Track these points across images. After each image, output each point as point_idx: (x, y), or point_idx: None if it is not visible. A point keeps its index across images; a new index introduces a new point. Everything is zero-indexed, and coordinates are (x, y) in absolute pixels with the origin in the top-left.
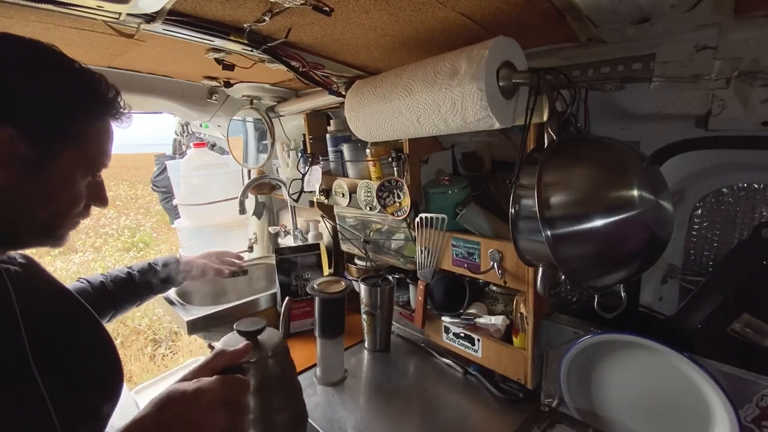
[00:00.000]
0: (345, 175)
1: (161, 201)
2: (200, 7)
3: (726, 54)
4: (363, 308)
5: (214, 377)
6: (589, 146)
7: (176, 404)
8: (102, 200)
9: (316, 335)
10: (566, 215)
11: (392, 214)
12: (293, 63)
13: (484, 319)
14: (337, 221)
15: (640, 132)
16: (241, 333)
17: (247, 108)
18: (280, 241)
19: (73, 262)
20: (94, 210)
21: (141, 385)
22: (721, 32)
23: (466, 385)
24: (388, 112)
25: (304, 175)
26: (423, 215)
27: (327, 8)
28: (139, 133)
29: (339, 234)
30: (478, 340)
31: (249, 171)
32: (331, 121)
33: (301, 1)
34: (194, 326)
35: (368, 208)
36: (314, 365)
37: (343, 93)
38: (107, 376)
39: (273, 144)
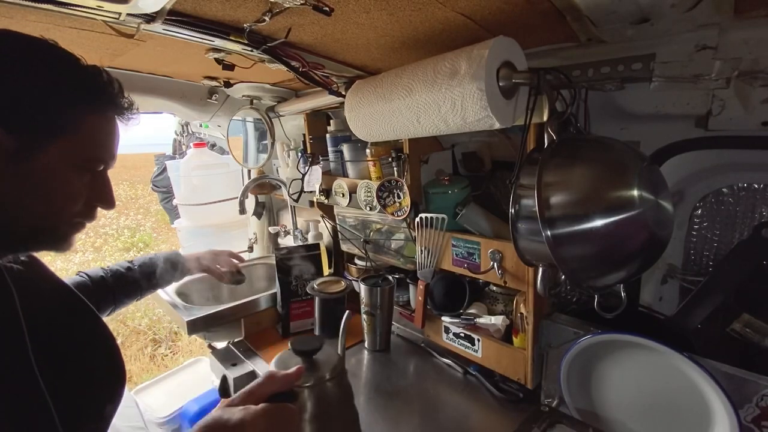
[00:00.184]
0: (345, 175)
1: (161, 201)
2: (200, 7)
3: (726, 54)
4: (363, 308)
5: (261, 406)
6: (589, 146)
7: None
8: (106, 201)
9: (316, 335)
10: (566, 215)
11: (392, 214)
12: (293, 63)
13: (484, 319)
14: (337, 221)
15: (640, 132)
16: (297, 352)
17: (247, 108)
18: (280, 241)
19: (73, 262)
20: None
21: (141, 385)
22: (721, 32)
23: (466, 385)
24: (388, 112)
25: (304, 175)
26: (423, 215)
27: (327, 8)
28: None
29: (339, 234)
30: (478, 340)
31: (249, 171)
32: (331, 121)
33: (301, 1)
34: (194, 326)
35: (368, 208)
36: None
37: (343, 93)
38: (109, 376)
39: (273, 144)
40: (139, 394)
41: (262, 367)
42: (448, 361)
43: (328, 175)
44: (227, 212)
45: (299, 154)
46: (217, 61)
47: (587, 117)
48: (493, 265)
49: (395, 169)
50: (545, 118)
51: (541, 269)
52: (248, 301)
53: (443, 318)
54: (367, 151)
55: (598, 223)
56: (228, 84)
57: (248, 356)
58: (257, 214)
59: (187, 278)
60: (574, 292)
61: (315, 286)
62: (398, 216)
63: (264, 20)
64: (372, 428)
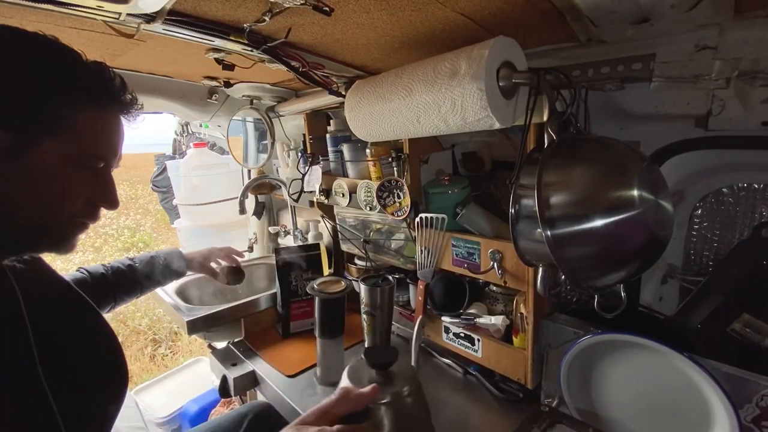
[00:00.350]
0: (345, 175)
1: (161, 201)
2: (200, 7)
3: (726, 54)
4: (363, 308)
5: (335, 428)
6: (589, 146)
7: None
8: (108, 200)
9: (316, 335)
10: (566, 215)
11: (392, 214)
12: (293, 63)
13: (484, 319)
14: (337, 221)
15: (640, 132)
16: (372, 365)
17: (247, 108)
18: (280, 241)
19: (73, 262)
20: None
21: (141, 385)
22: (721, 32)
23: (466, 385)
24: (388, 112)
25: (304, 175)
26: (423, 215)
27: (327, 8)
28: (139, 133)
29: (339, 234)
30: (478, 340)
31: (249, 171)
32: (331, 121)
33: (301, 1)
34: (194, 326)
35: (368, 208)
36: (314, 365)
37: (343, 93)
38: (111, 376)
39: (273, 144)
40: (139, 394)
41: (262, 367)
42: (448, 361)
43: (328, 175)
44: (227, 212)
45: (299, 154)
46: (217, 61)
47: (587, 117)
48: (493, 265)
49: (395, 169)
50: (545, 118)
51: (541, 269)
52: (248, 301)
53: (443, 318)
54: (367, 151)
55: (598, 223)
56: (228, 84)
57: (248, 356)
58: (257, 214)
59: (187, 278)
60: (574, 292)
61: (315, 286)
62: (398, 216)
63: (264, 20)
64: None
